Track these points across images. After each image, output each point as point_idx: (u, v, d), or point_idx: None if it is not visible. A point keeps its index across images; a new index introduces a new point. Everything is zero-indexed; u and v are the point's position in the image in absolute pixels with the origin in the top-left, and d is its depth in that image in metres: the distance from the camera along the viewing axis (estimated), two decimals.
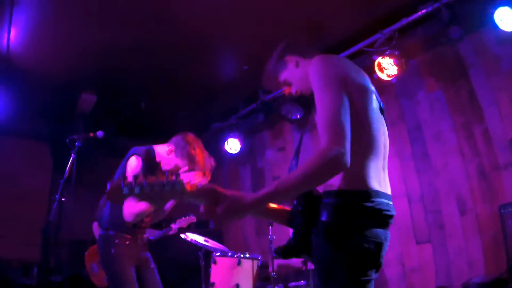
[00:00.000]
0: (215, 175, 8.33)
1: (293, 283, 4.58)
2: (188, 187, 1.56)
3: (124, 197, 1.47)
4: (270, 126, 7.32)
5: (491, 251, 4.33)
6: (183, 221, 5.01)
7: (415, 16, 4.73)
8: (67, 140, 4.06)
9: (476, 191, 4.58)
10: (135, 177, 1.47)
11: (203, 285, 4.71)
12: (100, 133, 4.21)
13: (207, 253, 4.81)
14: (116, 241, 3.42)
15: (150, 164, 3.45)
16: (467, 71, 4.75)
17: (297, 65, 2.13)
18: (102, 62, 5.63)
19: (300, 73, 2.10)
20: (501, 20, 4.13)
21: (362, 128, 1.78)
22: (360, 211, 1.70)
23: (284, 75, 2.17)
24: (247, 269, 4.41)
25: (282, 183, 1.66)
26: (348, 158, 1.61)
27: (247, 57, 5.83)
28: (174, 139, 3.53)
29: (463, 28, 4.46)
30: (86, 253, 5.20)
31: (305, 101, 6.12)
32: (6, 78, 5.57)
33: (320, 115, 1.71)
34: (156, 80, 6.22)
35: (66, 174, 3.93)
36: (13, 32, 4.92)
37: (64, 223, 4.06)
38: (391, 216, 1.78)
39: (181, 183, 1.51)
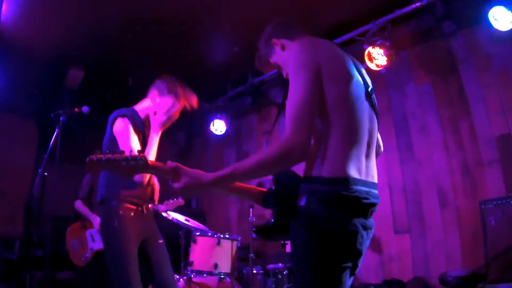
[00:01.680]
0: (200, 156, 8.38)
1: (271, 265, 4.62)
2: (150, 162, 1.78)
3: (97, 169, 1.69)
4: (257, 110, 7.30)
5: (469, 245, 4.42)
6: (170, 204, 4.92)
7: (409, 8, 4.74)
8: (52, 115, 3.99)
9: (458, 185, 4.65)
10: (104, 152, 1.70)
11: (182, 264, 4.73)
12: (85, 109, 4.14)
13: (188, 232, 4.82)
14: (120, 212, 3.08)
15: (138, 124, 3.20)
16: (458, 66, 4.78)
17: (283, 48, 2.09)
18: (90, 38, 5.54)
19: (286, 57, 2.06)
20: (495, 19, 4.15)
21: (340, 114, 1.76)
22: (336, 198, 1.69)
23: (272, 59, 2.14)
24: (226, 249, 4.46)
25: (240, 165, 1.74)
26: (307, 150, 1.65)
27: (238, 38, 5.78)
28: (152, 86, 3.30)
29: (457, 24, 4.49)
30: (68, 229, 5.17)
31: None
32: None
33: (288, 104, 1.72)
34: (144, 58, 6.13)
35: (50, 149, 3.88)
36: (4, 6, 4.81)
37: (47, 198, 4.03)
38: (370, 204, 1.75)
39: (143, 159, 1.76)
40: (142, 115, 3.27)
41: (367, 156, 1.84)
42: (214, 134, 6.96)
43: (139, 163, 1.76)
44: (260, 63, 2.24)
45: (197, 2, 5.03)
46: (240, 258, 5.09)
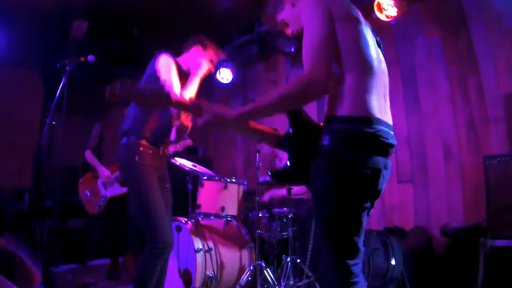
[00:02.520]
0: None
1: (277, 209, 4.72)
2: (173, 98, 1.85)
3: (121, 97, 1.73)
4: (264, 59, 7.22)
5: (471, 199, 4.49)
6: (179, 144, 4.95)
7: None
8: (58, 65, 3.98)
9: (462, 140, 4.66)
10: (128, 81, 1.74)
11: (189, 207, 4.84)
12: (91, 57, 4.11)
13: (195, 177, 4.90)
14: (140, 148, 3.16)
15: (180, 68, 3.39)
16: (468, 22, 4.67)
17: (293, 5, 2.12)
18: None
19: (296, 13, 2.09)
20: None
21: (356, 55, 1.82)
22: (360, 136, 1.74)
23: (281, 16, 2.18)
24: (233, 193, 4.54)
25: (262, 100, 1.82)
26: (327, 84, 1.71)
27: None
28: (192, 42, 3.53)
29: None
30: (80, 180, 5.27)
31: (301, 34, 6.01)
32: None
33: (304, 44, 1.78)
34: (149, 7, 6.01)
35: (57, 99, 3.89)
36: None
37: (55, 148, 4.07)
38: (391, 145, 1.82)
39: (168, 93, 1.82)
40: (183, 66, 3.45)
41: (384, 96, 1.90)
42: (220, 82, 6.92)
43: (162, 95, 1.81)
44: (267, 20, 2.27)
45: None
46: (247, 202, 5.19)
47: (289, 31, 2.19)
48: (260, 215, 4.59)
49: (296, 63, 6.56)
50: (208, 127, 1.88)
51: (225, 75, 6.93)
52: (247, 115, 1.84)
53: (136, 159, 3.13)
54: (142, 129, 3.20)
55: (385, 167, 1.81)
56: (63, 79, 3.98)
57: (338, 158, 1.74)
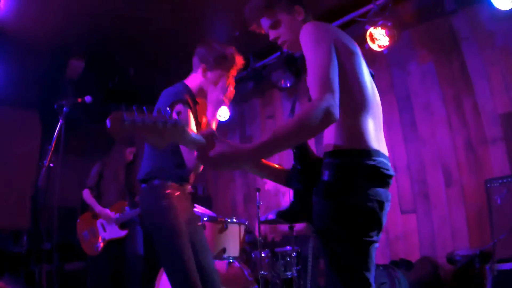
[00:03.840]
0: None
1: (279, 249, 4.64)
2: (189, 129, 1.54)
3: (126, 129, 1.38)
4: (260, 94, 7.27)
5: (475, 223, 4.42)
6: None
7: None
8: (55, 106, 3.99)
9: (462, 163, 4.64)
10: (137, 109, 1.39)
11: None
12: (88, 98, 4.15)
13: None
14: (167, 191, 2.76)
15: (193, 105, 2.90)
16: (460, 44, 4.73)
17: (304, 20, 2.10)
18: (90, 27, 5.50)
19: (297, 28, 2.03)
20: None
21: (355, 88, 1.82)
22: (361, 169, 1.72)
23: (282, 16, 2.11)
24: (234, 233, 4.46)
25: (280, 130, 1.65)
26: (337, 111, 1.63)
27: (238, 23, 5.73)
28: (197, 58, 3.02)
29: (458, 2, 4.43)
30: (78, 220, 5.21)
31: (296, 69, 6.08)
32: None
33: (310, 72, 1.74)
34: (145, 46, 6.11)
35: (54, 140, 3.89)
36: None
37: (53, 189, 4.04)
38: (390, 176, 1.79)
39: (182, 123, 1.49)
40: (195, 92, 3.01)
41: (380, 129, 1.89)
42: (217, 120, 6.92)
43: (177, 127, 1.47)
44: (266, 7, 2.13)
45: None
46: (248, 242, 5.12)
47: (275, 33, 2.12)
48: (262, 254, 4.52)
49: (296, 94, 6.61)
50: (223, 160, 1.63)
51: (222, 113, 6.95)
52: (266, 148, 1.64)
53: (164, 204, 2.73)
54: (166, 167, 2.84)
55: (387, 199, 1.78)
56: (60, 120, 3.99)
57: (340, 193, 1.72)
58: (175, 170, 2.84)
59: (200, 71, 2.99)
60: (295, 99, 2.27)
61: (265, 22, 2.15)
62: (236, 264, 4.58)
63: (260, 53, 6.34)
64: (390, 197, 1.81)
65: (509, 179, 3.70)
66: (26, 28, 5.47)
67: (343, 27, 5.05)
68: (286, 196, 5.44)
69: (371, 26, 4.90)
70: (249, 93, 7.08)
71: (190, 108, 2.81)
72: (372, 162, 1.72)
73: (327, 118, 1.62)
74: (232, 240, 4.43)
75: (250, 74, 6.48)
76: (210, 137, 1.64)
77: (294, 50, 2.14)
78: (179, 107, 2.77)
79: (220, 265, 4.53)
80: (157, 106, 2.80)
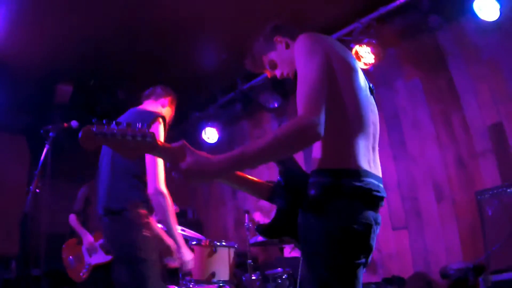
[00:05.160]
0: None
1: (270, 271, 4.58)
2: (159, 141, 1.56)
3: (97, 141, 1.45)
4: (248, 116, 7.29)
5: (468, 237, 4.42)
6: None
7: (393, 4, 4.75)
8: (41, 131, 3.95)
9: (453, 178, 4.65)
10: (107, 122, 1.46)
11: (180, 274, 4.69)
12: (74, 123, 4.11)
13: (184, 242, 4.78)
14: (143, 221, 2.83)
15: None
16: (446, 59, 4.81)
17: (287, 46, 2.08)
18: (78, 52, 5.51)
19: (288, 55, 2.05)
20: (480, 9, 4.17)
21: (348, 105, 1.74)
22: (349, 190, 1.64)
23: (271, 56, 2.12)
24: (223, 257, 4.39)
25: (251, 145, 1.59)
26: (321, 129, 1.57)
27: (225, 46, 5.78)
28: (160, 92, 3.54)
29: (442, 17, 4.51)
30: (63, 246, 5.12)
31: (283, 90, 6.11)
32: None
33: (299, 87, 1.69)
34: (133, 70, 6.11)
35: (40, 166, 3.84)
36: None
37: (40, 215, 3.97)
38: (381, 198, 1.72)
39: (153, 136, 1.52)
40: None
41: (373, 149, 1.82)
42: (206, 142, 6.92)
43: (147, 140, 1.51)
44: (254, 61, 2.20)
45: (183, 12, 5.02)
46: (238, 265, 5.05)
47: (277, 72, 2.12)
48: (253, 277, 4.45)
49: (283, 116, 6.63)
50: (193, 172, 1.59)
51: (210, 135, 6.95)
52: (235, 161, 1.59)
53: (142, 235, 2.80)
54: (141, 198, 2.89)
55: (376, 222, 1.70)
56: (47, 145, 3.95)
57: (326, 213, 1.65)
58: (146, 197, 2.90)
59: (160, 101, 3.49)
60: (280, 123, 2.22)
61: (265, 70, 2.19)
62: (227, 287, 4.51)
63: (247, 75, 6.38)
64: (380, 219, 1.74)
65: (499, 190, 3.70)
66: (14, 53, 5.47)
67: None
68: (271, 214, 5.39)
69: (356, 44, 4.95)
70: (237, 115, 7.08)
71: (165, 125, 3.11)
72: (359, 183, 1.65)
73: (308, 136, 1.57)
74: (222, 264, 4.36)
75: (238, 96, 6.50)
76: (181, 149, 1.62)
77: (293, 75, 2.08)
78: (160, 120, 3.06)
79: None
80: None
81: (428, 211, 4.81)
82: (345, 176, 1.66)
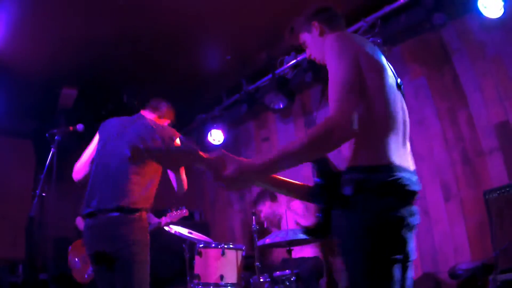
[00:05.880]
0: (199, 168, 8.30)
1: (278, 273, 4.56)
2: (201, 153, 1.71)
3: (144, 157, 1.63)
4: (254, 117, 7.27)
5: (476, 236, 4.37)
6: (174, 215, 4.77)
7: (398, 3, 4.72)
8: (47, 135, 3.97)
9: (460, 176, 4.61)
10: (153, 140, 1.64)
11: (187, 277, 4.69)
12: (80, 126, 4.13)
13: (192, 245, 4.78)
14: (146, 224, 3.10)
15: None
16: (451, 57, 4.76)
17: (321, 33, 2.14)
18: (82, 55, 5.53)
19: (320, 42, 2.12)
20: (485, 7, 4.14)
21: (378, 103, 1.80)
22: (380, 186, 1.69)
23: (305, 37, 2.21)
24: (231, 259, 4.41)
25: (287, 147, 1.69)
26: (354, 128, 1.63)
27: (229, 47, 5.78)
28: (160, 105, 3.76)
29: (447, 15, 4.45)
30: (70, 247, 5.13)
31: (289, 90, 6.09)
32: None
33: (330, 88, 1.76)
34: (137, 73, 6.13)
35: (46, 169, 3.85)
36: None
37: (47, 219, 3.99)
38: (414, 192, 1.76)
39: (196, 149, 1.69)
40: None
41: (404, 144, 1.86)
42: (212, 144, 6.92)
43: (191, 152, 1.69)
44: (291, 34, 2.29)
45: (187, 15, 5.03)
46: (246, 267, 5.04)
47: (307, 52, 2.24)
48: (261, 279, 4.44)
49: (288, 116, 6.60)
50: (237, 178, 1.69)
51: (216, 137, 6.94)
52: (275, 163, 1.70)
53: (148, 238, 3.05)
54: (147, 200, 3.13)
55: (411, 214, 1.73)
56: (52, 149, 3.96)
57: (358, 209, 1.70)
58: (151, 200, 3.16)
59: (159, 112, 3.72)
60: (315, 115, 2.27)
61: (299, 44, 2.28)
62: None
63: (252, 76, 6.38)
64: (416, 210, 1.77)
65: (508, 189, 3.66)
66: (18, 58, 5.51)
67: None
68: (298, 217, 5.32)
69: None
70: (243, 116, 7.05)
71: None
72: (391, 178, 1.69)
73: (341, 134, 1.64)
74: (230, 266, 4.37)
75: (243, 97, 6.49)
76: (221, 158, 1.73)
77: (321, 62, 2.17)
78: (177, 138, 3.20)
79: None
80: (140, 130, 3.20)
81: (436, 210, 4.77)
82: (377, 172, 1.72)
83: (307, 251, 5.13)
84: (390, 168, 1.72)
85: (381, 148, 1.75)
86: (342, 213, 1.75)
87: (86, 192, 3.24)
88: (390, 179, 1.69)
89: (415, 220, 1.77)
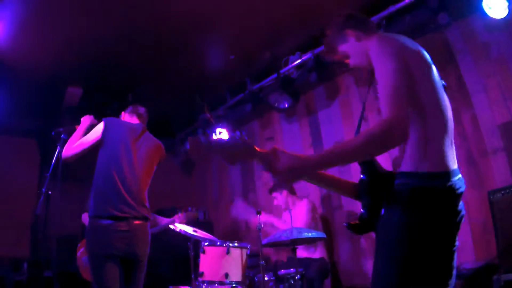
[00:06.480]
0: (203, 166, 8.32)
1: (282, 271, 4.57)
2: (257, 148, 1.81)
3: (204, 149, 1.69)
4: (258, 116, 7.28)
5: (480, 236, 4.37)
6: (183, 217, 4.85)
7: (403, 3, 4.72)
8: (53, 133, 3.99)
9: (464, 177, 4.54)
10: (214, 133, 1.70)
11: (192, 275, 4.70)
12: None
13: (196, 243, 4.80)
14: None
15: None
16: (455, 57, 4.76)
17: (358, 39, 2.15)
18: (87, 54, 5.55)
19: (360, 48, 2.13)
20: (489, 7, 4.14)
21: (429, 103, 1.82)
22: (440, 192, 1.74)
23: (343, 48, 2.20)
24: (236, 258, 4.41)
25: (341, 145, 1.77)
26: (407, 129, 1.68)
27: (234, 46, 5.78)
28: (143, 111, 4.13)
29: (451, 15, 4.45)
30: (78, 245, 5.14)
31: (293, 90, 6.09)
32: None
33: (380, 89, 1.78)
34: (142, 72, 6.14)
35: (52, 168, 3.87)
36: None
37: (52, 217, 3.99)
38: (462, 193, 1.81)
39: (251, 143, 1.80)
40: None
41: (452, 143, 1.90)
42: None
43: (247, 146, 1.79)
44: (328, 49, 2.30)
45: (193, 14, 5.03)
46: (251, 265, 5.05)
47: (350, 62, 2.22)
48: (266, 278, 4.45)
49: (293, 116, 6.58)
50: (291, 172, 1.75)
51: (221, 136, 6.93)
52: (329, 160, 1.76)
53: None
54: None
55: (458, 211, 1.81)
56: (58, 147, 3.97)
57: (413, 212, 1.74)
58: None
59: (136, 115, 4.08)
60: (362, 115, 2.30)
61: (341, 58, 2.28)
62: None
63: (256, 76, 6.38)
64: (462, 205, 1.84)
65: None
66: (23, 57, 5.51)
67: None
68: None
69: None
70: (247, 116, 7.06)
71: None
72: (450, 184, 1.74)
73: (394, 136, 1.66)
74: (234, 265, 4.37)
75: (248, 96, 6.49)
76: (274, 152, 1.80)
77: (364, 67, 2.18)
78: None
79: None
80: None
81: None
82: (436, 179, 1.75)
83: (312, 252, 5.17)
84: (448, 174, 1.76)
85: (437, 152, 1.78)
86: (393, 213, 1.78)
87: (107, 193, 3.49)
88: (448, 185, 1.74)
89: (461, 216, 1.84)
